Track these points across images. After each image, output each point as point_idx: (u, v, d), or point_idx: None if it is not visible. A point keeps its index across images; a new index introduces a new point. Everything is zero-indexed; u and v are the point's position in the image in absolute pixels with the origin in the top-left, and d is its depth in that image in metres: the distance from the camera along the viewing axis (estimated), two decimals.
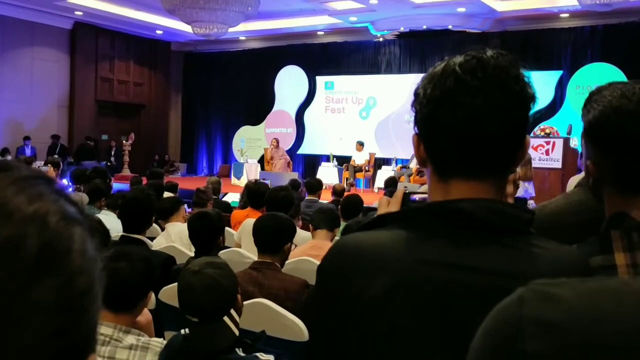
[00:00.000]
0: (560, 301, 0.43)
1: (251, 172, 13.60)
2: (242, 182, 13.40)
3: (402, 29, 14.17)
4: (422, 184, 11.13)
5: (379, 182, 12.36)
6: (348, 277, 0.87)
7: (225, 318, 1.71)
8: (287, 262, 3.32)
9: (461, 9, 12.48)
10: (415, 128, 0.93)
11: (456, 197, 0.88)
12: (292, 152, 15.62)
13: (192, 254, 3.13)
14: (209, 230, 2.97)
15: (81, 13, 14.77)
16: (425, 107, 0.89)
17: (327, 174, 12.94)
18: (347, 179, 13.02)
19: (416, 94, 0.92)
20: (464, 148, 0.86)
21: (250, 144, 16.60)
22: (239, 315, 1.76)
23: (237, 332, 1.72)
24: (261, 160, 14.94)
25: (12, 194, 0.40)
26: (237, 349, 1.64)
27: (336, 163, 13.70)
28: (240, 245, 3.96)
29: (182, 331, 1.78)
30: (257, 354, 1.65)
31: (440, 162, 0.91)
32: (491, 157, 0.88)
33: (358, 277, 0.86)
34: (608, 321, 0.41)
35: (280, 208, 3.66)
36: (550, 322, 0.42)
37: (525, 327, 0.43)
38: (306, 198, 6.12)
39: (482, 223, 0.85)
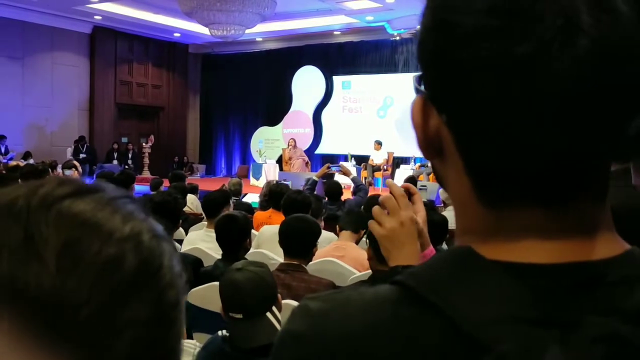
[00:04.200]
0: (309, 313, 0.49)
1: (270, 172, 13.65)
2: (261, 182, 13.43)
3: (419, 28, 14.11)
4: None
5: (398, 181, 12.34)
6: None
7: (268, 314, 1.73)
8: (311, 263, 3.34)
9: None
10: None
11: None
12: (310, 152, 15.65)
13: (219, 257, 3.16)
14: (237, 232, 2.99)
15: (100, 17, 14.95)
16: None
17: None
18: (365, 178, 13.01)
19: None
20: None
21: (268, 145, 16.67)
22: (280, 312, 1.78)
23: (279, 329, 1.73)
24: (279, 161, 14.98)
25: (109, 214, 0.42)
26: None
27: (354, 162, 13.69)
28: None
29: (219, 333, 1.80)
30: None
31: None
32: None
33: None
34: (335, 328, 0.47)
35: (299, 211, 3.66)
36: (298, 333, 0.49)
37: (283, 339, 0.50)
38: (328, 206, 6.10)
39: None
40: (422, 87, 0.50)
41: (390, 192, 1.10)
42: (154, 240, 0.44)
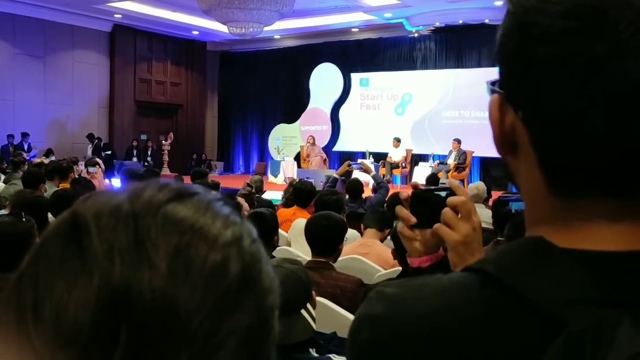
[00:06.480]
0: (386, 297, 0.52)
1: (288, 169, 13.68)
2: (279, 179, 13.50)
3: (437, 24, 14.06)
4: (461, 180, 11.03)
5: (416, 178, 12.29)
6: None
7: (303, 311, 1.74)
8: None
9: (498, 3, 12.29)
10: None
11: None
12: (327, 149, 15.63)
13: None
14: (264, 230, 3.00)
15: (120, 16, 15.07)
16: None
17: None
18: (383, 175, 12.98)
19: None
20: None
21: (286, 142, 16.70)
22: (314, 310, 1.79)
23: (314, 326, 1.75)
24: (297, 158, 15.00)
25: (211, 219, 0.42)
26: (310, 349, 1.67)
27: (372, 160, 13.67)
28: (290, 245, 4.00)
29: None
30: (331, 355, 1.68)
31: None
32: None
33: None
34: (411, 310, 0.50)
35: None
36: (375, 315, 0.52)
37: (360, 322, 0.53)
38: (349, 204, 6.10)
39: None
40: (497, 88, 0.53)
41: (456, 194, 1.05)
42: (253, 245, 0.44)
